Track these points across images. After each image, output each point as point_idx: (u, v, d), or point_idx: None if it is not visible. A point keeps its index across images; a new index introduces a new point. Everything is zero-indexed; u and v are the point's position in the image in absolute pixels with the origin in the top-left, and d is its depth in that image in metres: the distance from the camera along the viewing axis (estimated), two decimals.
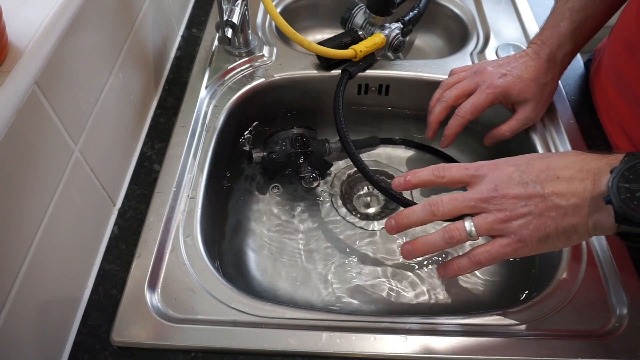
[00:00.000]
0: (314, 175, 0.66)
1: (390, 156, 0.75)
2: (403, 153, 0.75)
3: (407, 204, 0.57)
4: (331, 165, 0.70)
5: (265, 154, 0.66)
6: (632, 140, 0.58)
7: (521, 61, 0.60)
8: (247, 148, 0.66)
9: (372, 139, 0.74)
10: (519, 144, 0.67)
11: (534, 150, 0.64)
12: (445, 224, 0.46)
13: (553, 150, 0.63)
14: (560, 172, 0.40)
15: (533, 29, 0.78)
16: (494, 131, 0.63)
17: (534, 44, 0.61)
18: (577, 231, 0.40)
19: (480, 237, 0.44)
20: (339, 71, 0.70)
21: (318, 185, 0.69)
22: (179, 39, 0.78)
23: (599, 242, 0.54)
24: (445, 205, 0.44)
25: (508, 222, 0.41)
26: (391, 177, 0.73)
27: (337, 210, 0.68)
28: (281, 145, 0.66)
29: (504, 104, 0.62)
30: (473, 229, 0.43)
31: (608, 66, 0.63)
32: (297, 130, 0.67)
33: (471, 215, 0.44)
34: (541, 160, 0.42)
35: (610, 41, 0.64)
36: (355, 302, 0.60)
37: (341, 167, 0.72)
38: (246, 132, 0.75)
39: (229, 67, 0.71)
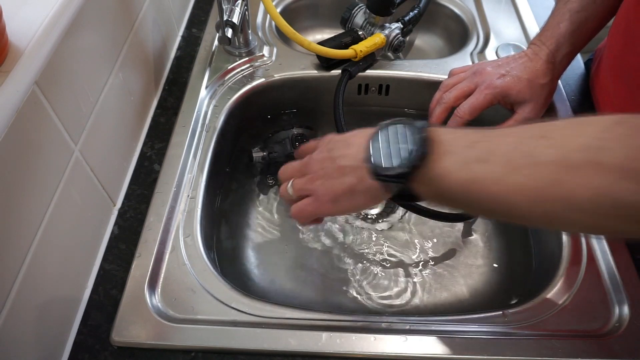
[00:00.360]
0: None
1: None
2: None
3: (406, 205, 0.57)
4: None
5: (265, 153, 0.66)
6: None
7: (520, 62, 0.60)
8: (256, 152, 0.66)
9: None
10: None
11: None
12: None
13: None
14: (353, 139, 0.45)
15: (533, 29, 0.78)
16: None
17: (533, 44, 0.62)
18: (356, 190, 0.44)
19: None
20: (339, 71, 0.70)
21: None
22: (179, 39, 0.78)
23: (599, 243, 0.54)
24: (282, 173, 0.51)
25: (311, 183, 0.47)
26: None
27: None
28: (281, 144, 0.66)
29: (503, 104, 0.62)
30: (290, 190, 0.49)
31: (609, 59, 0.63)
32: (297, 130, 0.67)
33: None
34: (355, 131, 0.46)
35: (610, 35, 0.63)
36: (355, 301, 0.60)
37: None
38: (246, 132, 0.75)
39: (229, 67, 0.71)
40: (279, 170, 0.51)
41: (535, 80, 0.59)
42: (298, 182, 0.48)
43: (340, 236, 0.66)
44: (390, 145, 0.40)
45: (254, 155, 0.66)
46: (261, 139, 0.72)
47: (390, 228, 0.67)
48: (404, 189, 0.40)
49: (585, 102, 0.68)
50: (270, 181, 0.70)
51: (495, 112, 0.65)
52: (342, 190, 0.45)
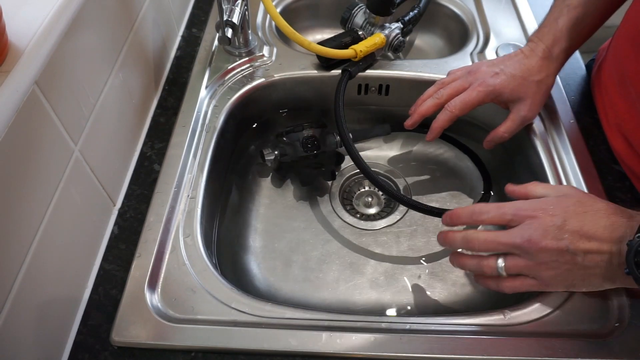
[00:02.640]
0: (324, 175, 0.66)
1: (396, 155, 0.75)
2: (411, 153, 0.76)
3: (409, 203, 0.57)
4: (343, 158, 0.70)
5: (277, 152, 0.66)
6: (630, 140, 0.58)
7: (516, 59, 0.60)
8: (268, 154, 0.66)
9: (383, 128, 0.74)
10: (519, 145, 0.67)
11: (533, 150, 0.64)
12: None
13: (554, 152, 0.62)
14: (594, 233, 0.43)
15: (533, 28, 0.77)
16: (492, 134, 0.63)
17: (530, 41, 0.61)
18: (603, 285, 0.45)
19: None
20: (339, 71, 0.70)
21: (332, 183, 0.69)
22: (179, 39, 0.78)
23: None
24: (480, 245, 0.47)
25: (537, 269, 0.45)
26: (390, 175, 0.73)
27: (338, 211, 0.68)
28: (292, 146, 0.66)
29: (498, 103, 0.61)
30: (503, 270, 0.46)
31: (611, 65, 0.63)
32: (307, 133, 0.66)
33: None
34: (576, 218, 0.44)
35: (615, 40, 0.63)
36: (356, 301, 0.60)
37: (343, 167, 0.72)
38: (246, 132, 0.75)
39: (229, 67, 0.71)
40: (477, 246, 0.47)
41: (530, 77, 0.59)
42: (515, 264, 0.45)
43: (341, 236, 0.66)
44: None
45: (266, 156, 0.66)
46: (261, 139, 0.72)
47: (390, 227, 0.67)
48: None
49: (585, 102, 0.68)
50: (278, 190, 0.70)
51: (495, 112, 0.65)
52: (581, 284, 0.45)
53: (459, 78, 0.62)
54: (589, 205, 0.45)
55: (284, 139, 0.67)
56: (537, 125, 0.65)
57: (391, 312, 0.59)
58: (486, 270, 0.47)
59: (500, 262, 0.46)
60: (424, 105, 0.62)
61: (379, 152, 0.76)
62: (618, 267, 0.42)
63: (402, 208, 0.69)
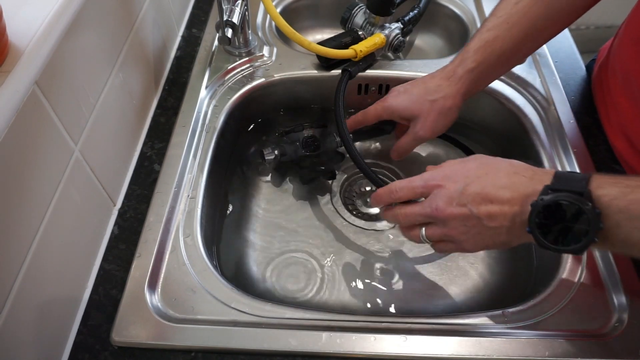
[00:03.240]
0: (324, 174, 0.66)
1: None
2: (411, 153, 0.76)
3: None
4: (343, 158, 0.70)
5: (277, 152, 0.66)
6: (632, 140, 0.58)
7: (421, 80, 0.62)
8: (268, 154, 0.66)
9: (383, 128, 0.74)
10: (519, 145, 0.67)
11: (533, 150, 0.64)
12: None
13: (554, 152, 0.62)
14: (494, 196, 0.44)
15: None
16: (395, 145, 0.65)
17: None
18: (512, 243, 0.46)
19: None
20: (339, 71, 0.70)
21: (332, 183, 0.69)
22: (179, 39, 0.78)
23: None
24: (403, 219, 0.51)
25: (451, 234, 0.47)
26: (391, 175, 0.73)
27: (339, 210, 0.68)
28: (293, 146, 0.66)
29: (399, 120, 0.63)
30: (426, 238, 0.50)
31: (615, 65, 0.63)
32: (307, 133, 0.66)
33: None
34: (477, 182, 0.45)
35: (618, 40, 0.63)
36: (356, 301, 0.60)
37: (343, 166, 0.72)
38: (246, 132, 0.75)
39: (229, 67, 0.71)
40: (401, 221, 0.51)
41: (425, 96, 0.60)
42: (433, 232, 0.49)
43: (342, 236, 0.66)
44: (558, 222, 0.40)
45: (266, 156, 0.66)
46: (261, 139, 0.72)
47: (391, 227, 0.67)
48: None
49: (585, 102, 0.68)
50: (278, 190, 0.70)
51: (495, 113, 0.65)
52: (493, 245, 0.47)
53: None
54: (490, 166, 0.46)
55: (284, 138, 0.67)
56: (537, 125, 0.65)
57: (391, 311, 0.59)
58: (415, 239, 0.51)
59: (423, 231, 0.50)
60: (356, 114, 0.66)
61: (379, 152, 0.76)
62: (521, 226, 0.43)
63: None
